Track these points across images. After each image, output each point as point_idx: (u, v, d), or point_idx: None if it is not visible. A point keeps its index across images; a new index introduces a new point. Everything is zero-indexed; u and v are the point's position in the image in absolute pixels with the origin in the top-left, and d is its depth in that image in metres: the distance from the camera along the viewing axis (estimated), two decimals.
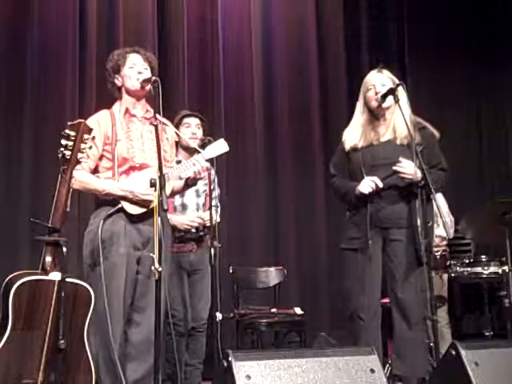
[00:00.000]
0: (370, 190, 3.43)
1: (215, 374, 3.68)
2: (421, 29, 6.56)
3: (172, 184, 3.36)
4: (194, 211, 4.05)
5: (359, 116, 3.65)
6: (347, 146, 3.61)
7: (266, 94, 5.87)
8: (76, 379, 2.80)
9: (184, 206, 4.06)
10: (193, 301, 4.00)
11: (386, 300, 3.65)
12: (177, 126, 3.96)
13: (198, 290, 3.99)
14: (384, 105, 3.55)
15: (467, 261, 4.93)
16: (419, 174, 3.35)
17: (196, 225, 3.95)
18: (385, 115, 3.60)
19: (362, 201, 3.49)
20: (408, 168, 3.39)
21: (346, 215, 3.64)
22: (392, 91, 3.48)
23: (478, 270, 4.81)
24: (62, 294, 2.71)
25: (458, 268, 4.85)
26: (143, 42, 5.06)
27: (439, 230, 4.39)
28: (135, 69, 3.34)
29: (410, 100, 3.54)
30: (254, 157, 5.69)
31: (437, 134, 3.57)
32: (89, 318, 2.84)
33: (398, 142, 3.52)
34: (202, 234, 4.02)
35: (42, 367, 2.71)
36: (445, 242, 4.74)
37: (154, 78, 3.19)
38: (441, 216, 3.41)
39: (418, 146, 3.35)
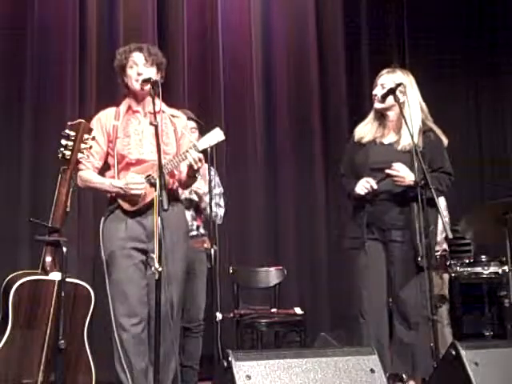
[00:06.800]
0: (366, 190, 3.46)
1: (215, 374, 3.67)
2: (421, 27, 6.55)
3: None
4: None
5: (372, 112, 3.68)
6: (356, 138, 3.65)
7: (266, 91, 5.85)
8: (76, 379, 2.80)
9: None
10: (185, 301, 3.99)
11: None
12: None
13: (190, 291, 3.98)
14: (379, 106, 3.55)
15: (467, 261, 4.93)
16: (412, 178, 3.37)
17: None
18: (388, 116, 3.61)
19: (361, 201, 3.52)
20: (400, 171, 3.41)
21: (350, 213, 3.66)
22: (392, 91, 3.47)
23: (478, 269, 4.80)
24: (62, 294, 2.71)
25: (458, 268, 4.84)
26: (143, 42, 5.04)
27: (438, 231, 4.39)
28: (135, 69, 3.32)
29: None
30: (253, 155, 5.67)
31: (444, 139, 3.56)
32: (89, 317, 2.85)
33: (400, 146, 3.52)
34: (194, 233, 4.04)
35: (42, 367, 2.71)
36: (444, 246, 4.73)
37: (153, 78, 3.20)
38: (441, 216, 3.42)
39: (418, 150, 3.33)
